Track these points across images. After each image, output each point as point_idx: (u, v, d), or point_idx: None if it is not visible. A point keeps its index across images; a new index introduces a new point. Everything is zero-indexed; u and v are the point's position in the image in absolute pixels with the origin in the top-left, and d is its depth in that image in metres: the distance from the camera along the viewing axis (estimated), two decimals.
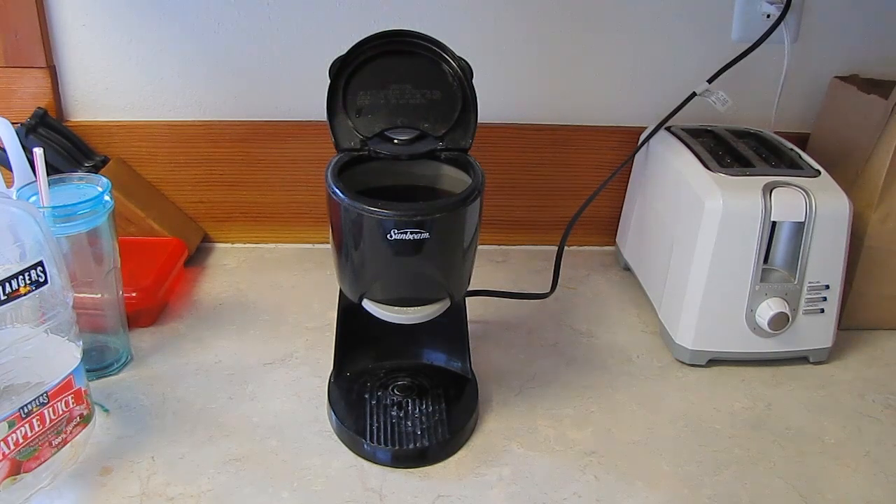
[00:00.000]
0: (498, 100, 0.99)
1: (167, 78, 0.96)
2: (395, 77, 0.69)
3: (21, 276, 0.58)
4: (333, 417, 0.70)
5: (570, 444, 0.70)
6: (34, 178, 0.71)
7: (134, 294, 0.81)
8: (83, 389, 0.66)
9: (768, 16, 0.93)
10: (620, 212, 1.02)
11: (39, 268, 0.60)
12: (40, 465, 0.62)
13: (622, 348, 0.84)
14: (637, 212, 0.96)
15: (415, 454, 0.67)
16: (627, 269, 0.98)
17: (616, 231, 1.04)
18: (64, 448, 0.64)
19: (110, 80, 0.96)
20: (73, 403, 0.64)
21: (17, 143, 0.77)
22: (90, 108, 0.97)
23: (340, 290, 0.71)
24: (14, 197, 0.70)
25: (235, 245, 1.04)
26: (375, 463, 0.67)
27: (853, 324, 0.87)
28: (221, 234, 1.03)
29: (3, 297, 0.57)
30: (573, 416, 0.74)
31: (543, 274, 0.99)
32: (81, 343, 0.66)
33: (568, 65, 0.98)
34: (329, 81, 0.68)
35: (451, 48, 0.70)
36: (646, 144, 0.94)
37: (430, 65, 0.70)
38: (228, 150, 0.99)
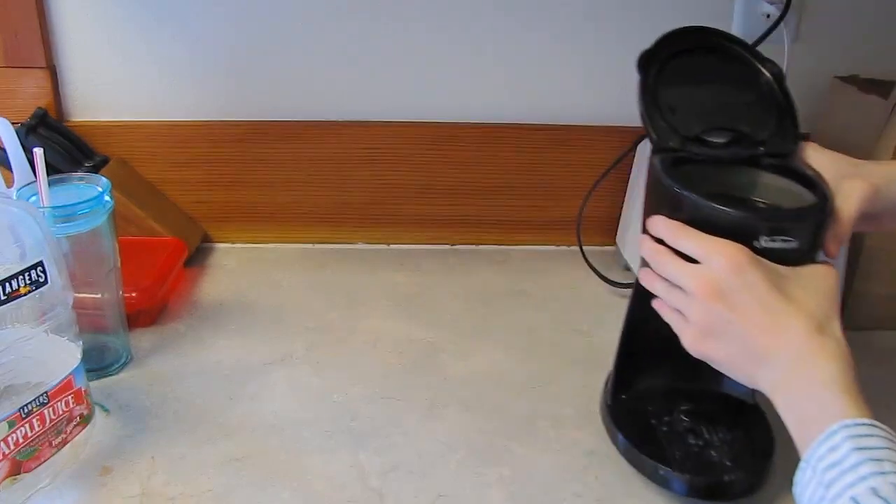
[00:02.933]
0: (498, 99, 0.99)
1: (167, 78, 0.96)
2: (706, 76, 0.66)
3: (21, 276, 0.58)
4: (621, 438, 0.68)
5: (570, 444, 0.70)
6: (34, 178, 0.71)
7: (134, 294, 0.81)
8: (83, 389, 0.66)
9: (768, 16, 0.93)
10: (620, 212, 1.02)
11: (39, 268, 0.60)
12: (40, 465, 0.62)
13: None
14: (637, 212, 0.96)
15: (722, 486, 0.63)
16: (627, 269, 0.98)
17: (616, 231, 1.04)
18: (64, 448, 0.64)
19: (110, 80, 0.96)
20: (73, 403, 0.64)
21: (17, 143, 0.77)
22: (90, 108, 0.97)
23: (631, 308, 0.69)
24: (14, 197, 0.70)
25: (235, 245, 1.04)
26: (667, 489, 0.64)
27: (853, 324, 0.87)
28: (221, 234, 1.03)
29: (3, 297, 0.57)
30: (573, 416, 0.74)
31: (543, 274, 0.99)
32: (81, 343, 0.66)
33: (567, 64, 0.98)
34: (639, 76, 0.65)
35: (758, 50, 0.66)
36: (645, 144, 0.94)
37: (739, 65, 0.67)
38: (228, 150, 0.98)
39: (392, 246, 1.04)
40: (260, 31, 0.94)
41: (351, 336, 0.85)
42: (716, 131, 0.64)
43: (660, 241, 0.60)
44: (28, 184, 0.72)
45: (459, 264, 1.01)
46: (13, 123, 0.79)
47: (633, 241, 0.97)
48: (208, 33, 0.94)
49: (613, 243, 1.04)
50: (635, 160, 0.98)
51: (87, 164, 0.93)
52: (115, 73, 0.96)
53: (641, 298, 0.64)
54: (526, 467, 0.67)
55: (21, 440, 0.60)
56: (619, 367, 0.71)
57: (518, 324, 0.88)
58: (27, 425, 0.60)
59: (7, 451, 0.59)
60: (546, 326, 0.88)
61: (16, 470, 0.61)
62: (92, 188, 0.72)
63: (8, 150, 0.77)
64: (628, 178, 1.00)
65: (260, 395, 0.75)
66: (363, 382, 0.77)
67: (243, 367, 0.79)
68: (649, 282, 0.61)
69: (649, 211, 0.62)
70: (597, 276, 0.96)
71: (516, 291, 0.95)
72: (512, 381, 0.78)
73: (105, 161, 0.95)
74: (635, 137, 0.96)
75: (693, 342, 0.57)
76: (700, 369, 0.67)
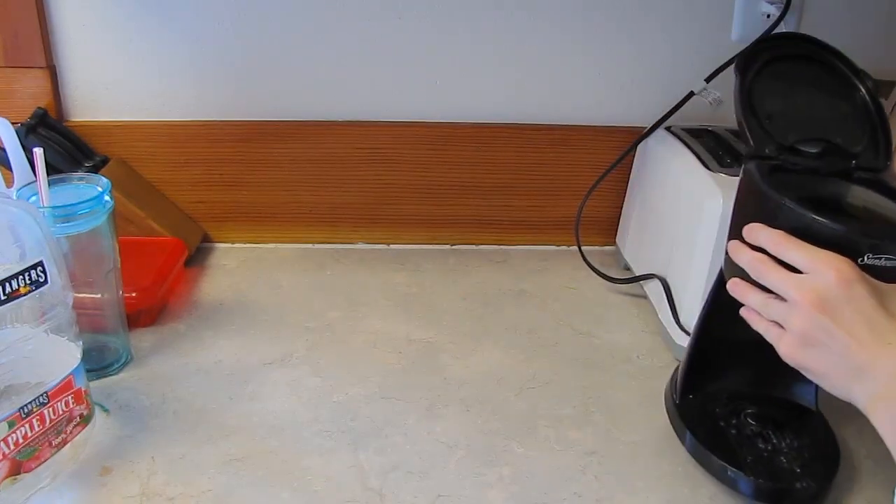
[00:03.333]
0: (498, 99, 0.99)
1: (167, 78, 0.96)
2: (801, 84, 0.65)
3: (21, 276, 0.58)
4: (689, 437, 0.68)
5: (570, 444, 0.70)
6: (34, 178, 0.71)
7: (134, 294, 0.81)
8: (83, 389, 0.66)
9: (768, 16, 0.93)
10: (620, 212, 1.02)
11: (39, 268, 0.60)
12: (40, 465, 0.62)
13: (622, 348, 0.84)
14: (637, 212, 0.96)
15: (791, 493, 0.63)
16: (627, 269, 0.98)
17: (616, 231, 1.04)
18: (64, 448, 0.64)
19: (110, 80, 0.96)
20: (73, 403, 0.64)
21: (17, 143, 0.77)
22: (90, 108, 0.97)
23: (707, 311, 0.69)
24: (14, 197, 0.70)
25: (235, 245, 1.04)
26: (735, 490, 0.64)
27: None
28: (221, 234, 1.03)
29: (3, 297, 0.57)
30: (573, 416, 0.74)
31: (543, 274, 0.99)
32: (81, 343, 0.66)
33: (567, 64, 0.98)
34: (736, 79, 0.64)
35: (851, 59, 0.66)
36: (645, 144, 0.94)
37: (834, 76, 0.66)
38: (228, 150, 0.98)
39: (392, 246, 1.04)
40: (260, 32, 0.94)
41: (351, 336, 0.85)
42: (809, 141, 0.64)
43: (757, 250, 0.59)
44: (28, 184, 0.72)
45: (459, 264, 1.01)
46: (13, 123, 0.79)
47: (633, 241, 0.97)
48: (208, 33, 0.94)
49: (613, 243, 1.04)
50: (635, 160, 0.98)
51: (87, 164, 0.93)
52: (115, 73, 0.96)
53: (716, 303, 0.64)
54: (526, 467, 0.67)
55: (21, 440, 0.60)
56: (689, 368, 0.71)
57: (518, 324, 0.88)
58: (27, 425, 0.60)
59: (7, 451, 0.59)
60: (546, 326, 0.88)
61: (16, 470, 0.61)
62: (92, 188, 0.72)
63: (8, 150, 0.77)
64: (628, 178, 1.00)
65: (260, 395, 0.75)
66: (363, 382, 0.77)
67: (243, 367, 0.79)
68: (742, 292, 0.61)
69: (743, 218, 0.61)
70: (597, 277, 0.96)
71: (516, 291, 0.95)
72: (512, 381, 0.78)
73: (105, 161, 0.95)
74: (635, 137, 0.96)
75: (791, 351, 0.57)
76: (768, 374, 0.69)
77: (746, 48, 0.66)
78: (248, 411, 0.73)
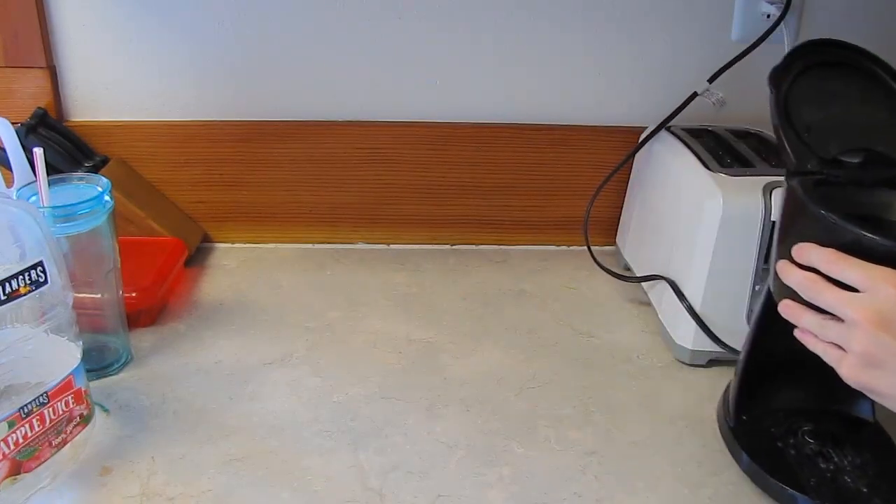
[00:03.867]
0: (498, 99, 0.99)
1: (167, 77, 0.96)
2: (837, 92, 0.64)
3: (21, 276, 0.58)
4: (746, 460, 0.66)
5: (570, 444, 0.70)
6: (34, 178, 0.71)
7: (134, 294, 0.81)
8: (83, 389, 0.66)
9: (768, 16, 0.93)
10: (620, 212, 1.02)
11: (39, 268, 0.60)
12: (40, 465, 0.62)
13: (622, 348, 0.84)
14: (637, 212, 0.96)
15: None
16: (628, 269, 0.98)
17: (616, 231, 1.04)
18: (64, 448, 0.64)
19: (110, 80, 0.96)
20: (73, 403, 0.64)
21: (17, 143, 0.77)
22: (90, 108, 0.97)
23: (757, 327, 0.67)
24: (14, 197, 0.70)
25: (235, 245, 1.03)
26: None
27: None
28: (221, 234, 1.03)
29: (3, 297, 0.57)
30: (573, 416, 0.74)
31: (543, 274, 0.99)
32: (81, 343, 0.66)
33: (567, 64, 0.98)
34: (772, 92, 0.63)
35: (887, 62, 0.64)
36: (646, 144, 0.94)
37: (870, 81, 0.64)
38: (228, 150, 0.98)
39: (392, 246, 1.04)
40: (260, 32, 0.94)
41: (351, 336, 0.85)
42: (850, 151, 0.62)
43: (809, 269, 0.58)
44: (28, 184, 0.72)
45: (459, 264, 1.01)
46: (13, 123, 0.79)
47: (632, 241, 0.97)
48: (208, 33, 0.94)
49: (613, 243, 1.04)
50: (635, 160, 0.98)
51: (87, 164, 0.93)
52: (115, 73, 0.96)
53: (766, 321, 0.63)
54: (526, 467, 0.67)
55: (21, 440, 0.60)
56: (740, 389, 0.70)
57: (518, 324, 0.88)
58: (27, 425, 0.60)
59: (7, 451, 0.59)
60: (546, 326, 0.88)
61: (16, 470, 0.61)
62: (92, 188, 0.72)
63: (8, 150, 0.77)
64: (628, 178, 1.00)
65: (260, 395, 0.75)
66: (363, 382, 0.77)
67: (243, 367, 0.79)
68: (795, 314, 0.59)
69: (790, 237, 0.60)
70: (597, 277, 0.96)
71: (516, 291, 0.95)
72: (512, 381, 0.78)
73: (105, 161, 0.95)
74: (635, 137, 0.96)
75: (854, 373, 0.55)
76: (822, 388, 0.67)
77: (780, 62, 0.64)
78: (248, 411, 0.73)
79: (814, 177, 0.61)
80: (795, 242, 0.58)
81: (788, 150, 0.62)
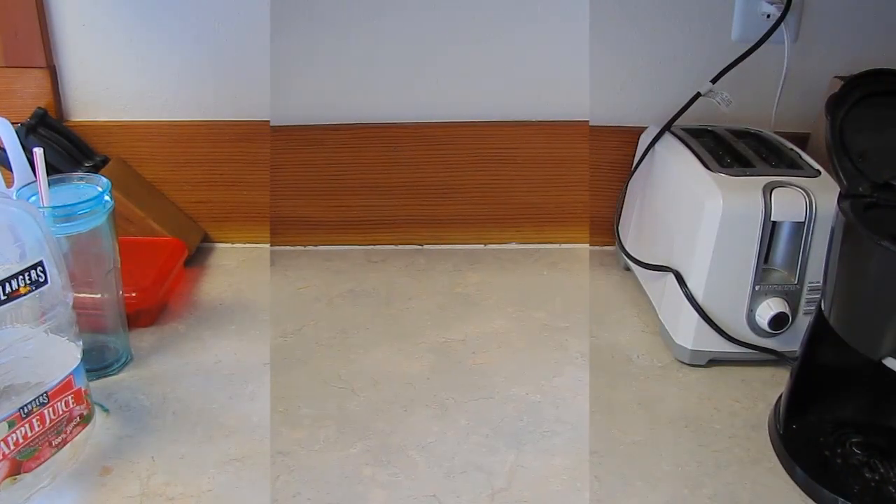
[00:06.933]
0: (498, 99, 0.99)
1: (167, 78, 0.96)
2: (893, 118, 0.65)
3: (21, 276, 0.58)
4: (799, 471, 0.66)
5: (571, 445, 0.70)
6: (34, 178, 0.71)
7: (134, 294, 0.81)
8: (83, 389, 0.66)
9: (768, 16, 0.93)
10: (621, 212, 1.02)
11: (39, 268, 0.60)
12: (40, 465, 0.62)
13: (622, 348, 0.84)
14: (637, 212, 0.96)
15: None
16: (627, 269, 0.98)
17: (616, 231, 1.03)
18: (64, 448, 0.64)
19: (110, 80, 0.96)
20: (73, 403, 0.64)
21: (17, 143, 0.77)
22: (90, 108, 0.97)
23: (808, 339, 0.68)
24: (14, 197, 0.70)
25: (235, 245, 1.04)
26: None
27: None
28: (221, 234, 1.03)
29: (3, 297, 0.57)
30: (573, 416, 0.74)
31: (543, 273, 0.99)
32: (81, 343, 0.66)
33: (567, 64, 0.98)
34: (827, 118, 0.64)
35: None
36: (645, 145, 0.93)
37: None
38: (228, 150, 0.98)
39: (392, 246, 1.04)
40: (260, 32, 0.94)
41: (351, 336, 0.85)
42: None
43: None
44: (28, 184, 0.72)
45: (459, 264, 1.01)
46: (13, 123, 0.79)
47: (632, 241, 0.97)
48: (209, 34, 0.94)
49: (613, 244, 1.04)
50: (635, 160, 0.97)
51: (87, 164, 0.93)
52: (115, 73, 0.96)
53: (818, 332, 0.64)
54: (526, 468, 0.67)
55: (21, 440, 0.60)
56: (792, 398, 0.70)
57: (518, 323, 0.88)
58: (27, 425, 0.60)
59: (7, 451, 0.59)
60: (546, 326, 0.88)
61: (16, 470, 0.61)
62: (92, 188, 0.72)
63: (8, 150, 0.77)
64: (628, 178, 1.00)
65: (260, 395, 0.75)
66: (363, 382, 0.77)
67: (243, 367, 0.79)
68: None
69: (839, 259, 0.61)
70: (597, 277, 0.96)
71: (514, 291, 0.95)
72: (511, 381, 0.78)
73: (105, 161, 0.95)
74: (635, 137, 0.96)
75: None
76: (872, 401, 0.68)
77: (838, 90, 0.65)
78: (248, 411, 0.73)
79: (865, 200, 0.62)
80: (846, 264, 0.60)
81: (840, 174, 0.63)
